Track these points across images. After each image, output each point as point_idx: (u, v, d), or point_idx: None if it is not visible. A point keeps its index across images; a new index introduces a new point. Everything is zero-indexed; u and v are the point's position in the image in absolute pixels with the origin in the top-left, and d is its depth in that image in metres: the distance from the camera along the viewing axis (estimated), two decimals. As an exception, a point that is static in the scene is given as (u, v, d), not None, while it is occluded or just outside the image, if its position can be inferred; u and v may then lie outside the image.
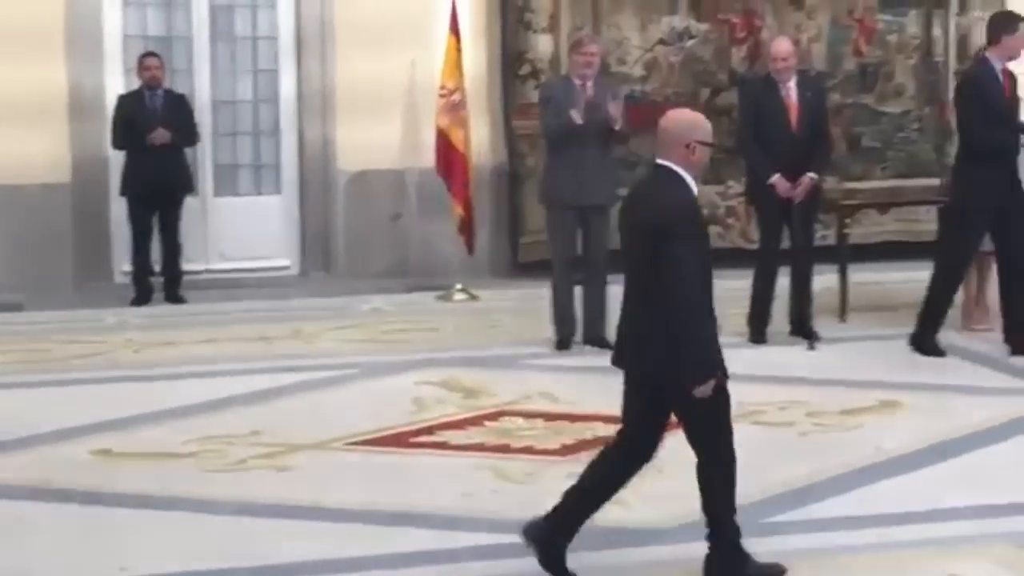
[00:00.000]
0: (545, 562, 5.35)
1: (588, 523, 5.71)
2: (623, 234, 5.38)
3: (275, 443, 7.17)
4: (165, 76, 11.00)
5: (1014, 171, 8.69)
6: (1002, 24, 8.79)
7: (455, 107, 10.79)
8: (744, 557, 5.40)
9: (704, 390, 5.19)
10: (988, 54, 8.77)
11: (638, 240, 5.20)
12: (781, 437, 7.27)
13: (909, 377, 8.37)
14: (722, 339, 9.28)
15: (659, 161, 5.25)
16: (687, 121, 5.30)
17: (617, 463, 5.47)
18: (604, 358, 8.78)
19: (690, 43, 11.66)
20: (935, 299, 8.89)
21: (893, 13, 12.09)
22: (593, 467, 5.51)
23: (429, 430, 7.43)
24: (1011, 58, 8.80)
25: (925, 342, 8.89)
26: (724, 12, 11.70)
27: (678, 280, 5.06)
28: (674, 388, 5.23)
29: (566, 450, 7.04)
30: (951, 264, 8.85)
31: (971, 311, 9.52)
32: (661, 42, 11.63)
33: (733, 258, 10.96)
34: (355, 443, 7.23)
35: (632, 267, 5.27)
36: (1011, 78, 8.79)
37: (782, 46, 9.31)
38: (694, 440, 5.38)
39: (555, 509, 5.41)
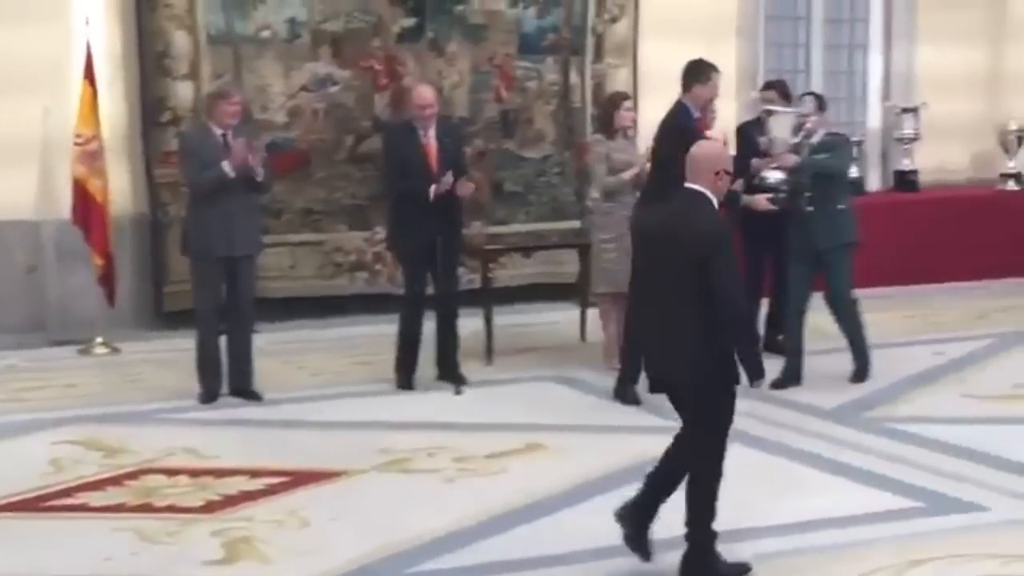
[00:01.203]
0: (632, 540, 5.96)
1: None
2: (657, 251, 5.91)
3: (-102, 513, 6.80)
4: None
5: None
6: (694, 74, 9.05)
7: (92, 156, 10.48)
8: (715, 559, 5.93)
9: (759, 384, 5.98)
10: (683, 100, 9.05)
11: (677, 258, 5.78)
12: (428, 484, 7.30)
13: (553, 419, 8.53)
14: (370, 387, 9.41)
15: (689, 185, 5.90)
16: (716, 152, 6.10)
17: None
18: (251, 410, 8.80)
19: (333, 90, 11.63)
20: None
21: (532, 60, 12.31)
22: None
23: (67, 492, 7.18)
24: (703, 106, 9.10)
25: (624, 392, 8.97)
26: (366, 59, 11.71)
27: (731, 297, 5.73)
28: (693, 394, 5.89)
29: (210, 506, 6.90)
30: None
31: (612, 350, 9.77)
32: (304, 89, 11.55)
33: (381, 303, 11.05)
34: (-13, 509, 6.91)
35: (667, 282, 5.83)
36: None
37: (426, 93, 9.39)
38: (694, 448, 5.96)
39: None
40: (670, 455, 6.04)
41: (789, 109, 9.58)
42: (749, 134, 10.04)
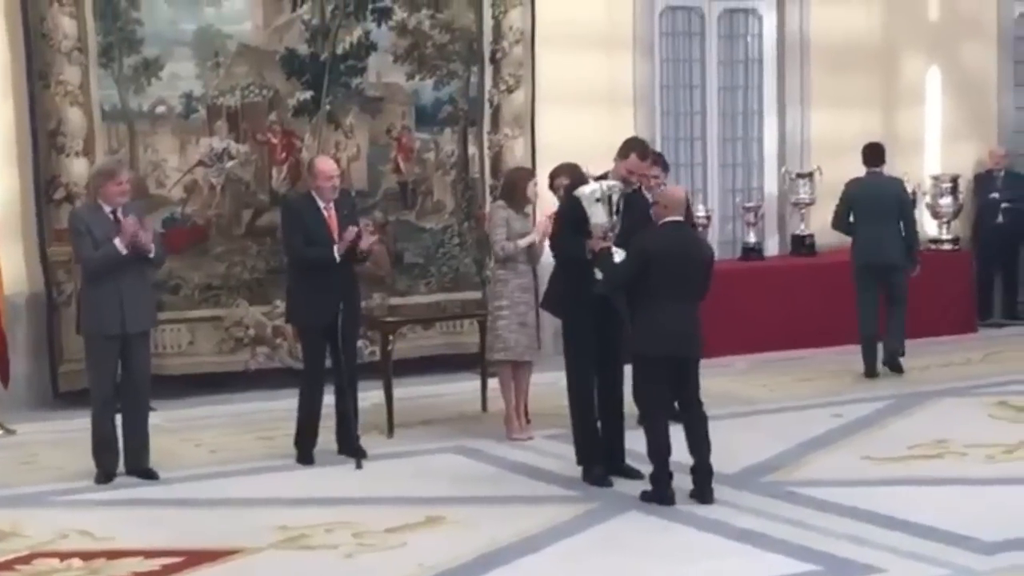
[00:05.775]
0: None
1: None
2: (692, 268, 8.02)
3: None
4: None
5: None
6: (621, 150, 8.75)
7: (-16, 235, 10.37)
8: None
9: None
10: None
11: (706, 271, 8.15)
12: (326, 561, 7.22)
13: (453, 491, 8.48)
14: (269, 463, 9.31)
15: (680, 219, 8.11)
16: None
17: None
18: (147, 489, 8.67)
19: (230, 164, 11.57)
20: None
21: (430, 131, 12.34)
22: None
23: (-45, 580, 7.03)
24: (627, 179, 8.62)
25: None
26: (263, 133, 11.68)
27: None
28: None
29: (103, 590, 6.80)
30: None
31: (512, 421, 9.76)
32: (200, 163, 11.49)
33: (282, 377, 10.97)
34: None
35: (702, 284, 8.10)
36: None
37: (329, 165, 9.38)
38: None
39: None
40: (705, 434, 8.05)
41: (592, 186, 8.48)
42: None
